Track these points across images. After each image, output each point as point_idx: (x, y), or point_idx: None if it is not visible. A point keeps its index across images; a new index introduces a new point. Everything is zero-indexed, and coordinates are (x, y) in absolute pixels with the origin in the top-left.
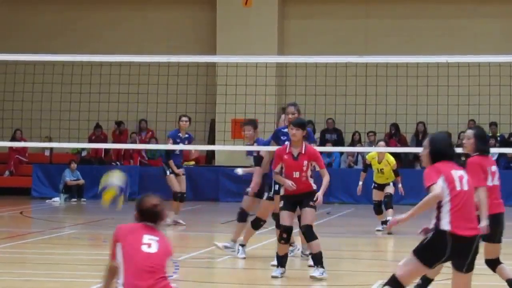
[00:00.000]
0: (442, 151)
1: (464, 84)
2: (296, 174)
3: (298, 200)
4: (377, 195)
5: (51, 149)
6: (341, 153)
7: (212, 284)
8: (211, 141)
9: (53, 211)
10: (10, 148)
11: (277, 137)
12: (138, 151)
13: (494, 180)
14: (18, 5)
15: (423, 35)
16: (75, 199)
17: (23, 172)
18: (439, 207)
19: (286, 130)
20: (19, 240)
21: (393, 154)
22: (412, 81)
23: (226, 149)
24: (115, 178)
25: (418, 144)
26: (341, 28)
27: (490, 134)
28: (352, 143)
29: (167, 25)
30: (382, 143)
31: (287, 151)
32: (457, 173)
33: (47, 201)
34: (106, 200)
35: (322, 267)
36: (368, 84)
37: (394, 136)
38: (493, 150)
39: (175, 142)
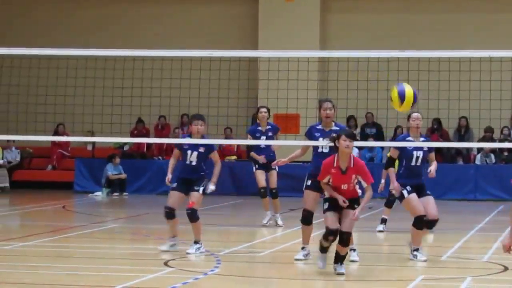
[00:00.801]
0: None
1: (506, 79)
2: (345, 187)
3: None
4: None
5: (94, 143)
6: (382, 148)
7: (254, 278)
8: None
9: (95, 205)
10: (53, 142)
11: (310, 134)
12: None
13: None
14: (61, 1)
15: (465, 29)
16: (117, 193)
17: (66, 167)
18: None
19: (320, 126)
20: (61, 234)
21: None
22: (454, 76)
23: (268, 143)
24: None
25: (460, 139)
26: (383, 23)
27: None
28: (395, 138)
29: (209, 20)
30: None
31: (334, 165)
32: None
33: (89, 195)
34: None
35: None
36: (410, 79)
37: (436, 131)
38: None
39: (255, 138)
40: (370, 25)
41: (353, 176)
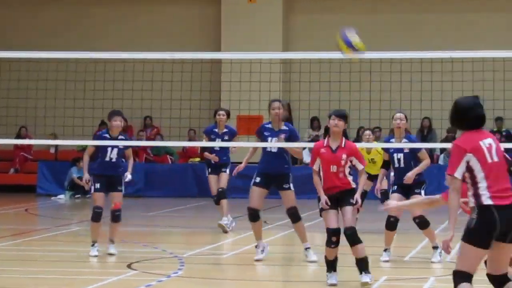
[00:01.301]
0: None
1: (468, 79)
2: (333, 169)
3: (337, 198)
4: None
5: (56, 146)
6: None
7: (217, 280)
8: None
9: (59, 208)
10: (15, 145)
11: (260, 133)
12: (144, 148)
13: None
14: (21, 3)
15: (427, 30)
16: (79, 196)
17: (29, 170)
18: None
19: (269, 125)
20: (24, 238)
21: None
22: (416, 77)
23: (230, 145)
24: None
25: (423, 139)
26: (347, 24)
27: (496, 129)
28: (357, 139)
29: (172, 21)
30: (368, 132)
31: (324, 144)
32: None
33: (52, 198)
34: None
35: (369, 272)
36: (372, 80)
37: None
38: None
39: (210, 139)
40: (334, 26)
41: (344, 157)
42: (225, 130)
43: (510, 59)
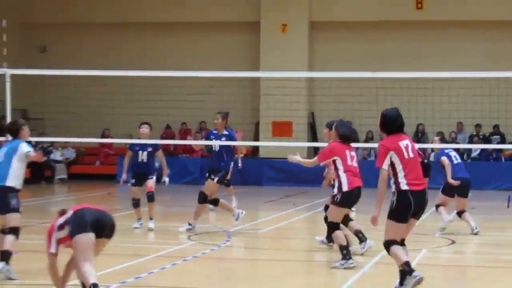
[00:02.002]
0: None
1: (454, 94)
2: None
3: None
4: None
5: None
6: (357, 148)
7: (259, 249)
8: (256, 138)
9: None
10: (100, 143)
11: (207, 136)
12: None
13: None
14: (103, 32)
15: (423, 56)
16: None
17: (110, 162)
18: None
19: (215, 131)
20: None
21: None
22: (413, 92)
23: (268, 145)
24: None
25: (418, 141)
26: (358, 50)
27: (475, 133)
28: (366, 140)
29: (221, 47)
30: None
31: None
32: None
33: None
34: None
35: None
36: (378, 94)
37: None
38: (477, 146)
39: (208, 139)
40: (347, 52)
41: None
42: (224, 132)
43: (485, 79)
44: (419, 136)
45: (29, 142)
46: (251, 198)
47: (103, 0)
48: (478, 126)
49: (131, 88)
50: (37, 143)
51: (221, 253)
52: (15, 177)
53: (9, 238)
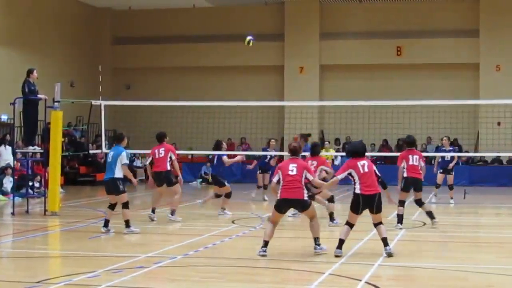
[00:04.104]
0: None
1: (424, 117)
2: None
3: None
4: None
5: (192, 154)
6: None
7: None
8: (282, 149)
9: (194, 189)
10: None
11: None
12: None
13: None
14: (176, 73)
15: (401, 89)
16: (204, 183)
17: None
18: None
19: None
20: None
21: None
22: (395, 115)
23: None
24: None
25: (399, 149)
26: (355, 85)
27: (440, 145)
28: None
29: (255, 83)
30: (445, 138)
31: None
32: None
33: (189, 183)
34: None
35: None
36: (370, 117)
37: (385, 146)
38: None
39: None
40: (348, 87)
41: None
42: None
43: (444, 105)
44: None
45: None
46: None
47: (172, 51)
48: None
49: (192, 114)
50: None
51: (257, 233)
52: (119, 171)
53: (125, 211)
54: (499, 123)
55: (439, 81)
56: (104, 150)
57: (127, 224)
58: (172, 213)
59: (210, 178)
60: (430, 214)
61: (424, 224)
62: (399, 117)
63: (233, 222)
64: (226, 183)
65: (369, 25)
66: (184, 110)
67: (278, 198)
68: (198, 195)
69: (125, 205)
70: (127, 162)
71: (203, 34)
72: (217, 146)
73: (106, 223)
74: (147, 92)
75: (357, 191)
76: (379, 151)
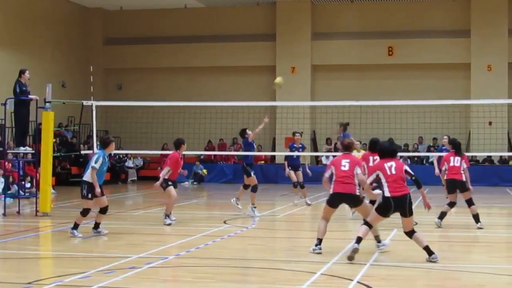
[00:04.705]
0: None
1: (416, 117)
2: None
3: None
4: None
5: (184, 155)
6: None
7: (275, 230)
8: (273, 149)
9: (185, 190)
10: (161, 154)
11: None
12: (233, 156)
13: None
14: (167, 75)
15: (392, 89)
16: (196, 183)
17: None
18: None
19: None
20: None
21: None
22: (386, 115)
23: (282, 154)
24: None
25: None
26: (346, 85)
27: (431, 144)
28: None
29: (250, 84)
30: (446, 138)
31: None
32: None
33: (181, 184)
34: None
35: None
36: (361, 117)
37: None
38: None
39: (291, 150)
40: (338, 86)
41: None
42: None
43: (435, 105)
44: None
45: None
46: (270, 192)
47: (164, 51)
48: (434, 139)
49: (183, 114)
50: (115, 154)
51: (249, 233)
52: (89, 174)
53: (80, 217)
54: (490, 123)
55: (431, 81)
56: (96, 150)
57: (96, 226)
58: (166, 216)
59: (204, 172)
60: (476, 217)
61: (416, 223)
62: (391, 117)
63: (224, 222)
64: (252, 174)
65: (361, 25)
66: (176, 110)
67: (330, 192)
68: (190, 195)
69: (83, 212)
70: (95, 166)
71: (194, 34)
72: (242, 133)
73: (96, 226)
74: (139, 92)
75: (387, 193)
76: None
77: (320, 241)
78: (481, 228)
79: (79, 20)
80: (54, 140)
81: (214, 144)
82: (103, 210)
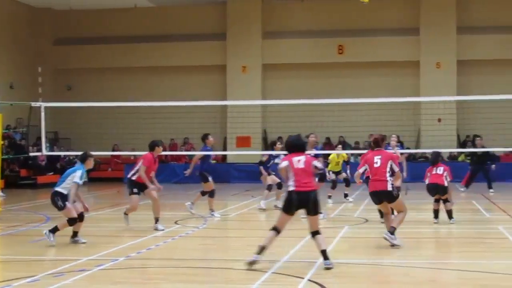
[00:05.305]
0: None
1: (365, 114)
2: None
3: None
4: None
5: (134, 155)
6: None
7: (226, 229)
8: (225, 149)
9: None
10: (111, 155)
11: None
12: (184, 156)
13: None
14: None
15: (343, 87)
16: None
17: (119, 168)
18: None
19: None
20: (119, 207)
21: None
22: (336, 113)
23: (233, 153)
24: None
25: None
26: (297, 84)
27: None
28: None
29: (197, 83)
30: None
31: None
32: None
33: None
34: None
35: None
36: (312, 115)
37: (328, 143)
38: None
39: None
40: (288, 86)
41: None
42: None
43: (381, 102)
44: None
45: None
46: (222, 192)
47: (114, 51)
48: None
49: (134, 114)
50: (65, 156)
51: (200, 233)
52: (65, 186)
53: (64, 224)
54: (439, 120)
55: (381, 78)
56: (44, 152)
57: (55, 229)
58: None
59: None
60: (449, 213)
61: (367, 220)
62: (342, 115)
63: (176, 222)
64: (210, 179)
65: (311, 24)
66: (127, 110)
67: (369, 191)
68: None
69: (70, 221)
70: (80, 182)
71: (145, 34)
72: (204, 138)
73: (74, 235)
74: (89, 93)
75: (291, 188)
76: (322, 149)
77: (393, 228)
78: (436, 223)
79: (28, 20)
80: (2, 142)
81: (165, 144)
82: (72, 221)
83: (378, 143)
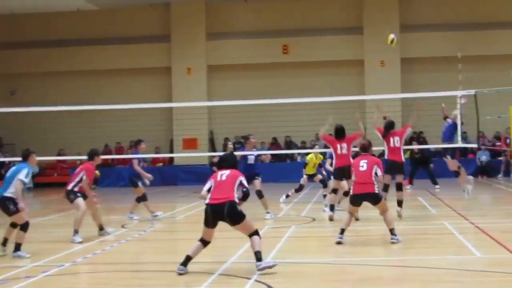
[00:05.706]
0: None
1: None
2: None
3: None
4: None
5: (80, 159)
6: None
7: (176, 232)
8: (171, 151)
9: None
10: (57, 160)
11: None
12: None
13: None
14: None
15: (288, 87)
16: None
17: (65, 173)
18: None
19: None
20: (66, 212)
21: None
22: (282, 113)
23: (180, 155)
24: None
25: (288, 147)
26: (242, 85)
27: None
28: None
29: (144, 86)
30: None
31: None
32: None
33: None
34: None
35: None
36: (258, 116)
37: (274, 144)
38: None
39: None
40: (234, 86)
41: None
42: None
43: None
44: (288, 144)
45: (36, 175)
46: (169, 194)
47: (58, 54)
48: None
49: (81, 118)
50: (10, 161)
51: (147, 236)
52: (12, 188)
53: (21, 233)
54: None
55: (326, 78)
56: None
57: (18, 247)
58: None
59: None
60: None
61: (314, 219)
62: (287, 115)
63: (122, 226)
64: (139, 184)
65: (255, 25)
66: (73, 114)
67: (351, 193)
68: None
69: (23, 227)
70: (24, 179)
71: (89, 37)
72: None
73: (4, 242)
74: (34, 97)
75: (206, 201)
76: (269, 149)
77: (342, 230)
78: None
79: None
80: None
81: (111, 147)
82: (25, 227)
83: (365, 148)
